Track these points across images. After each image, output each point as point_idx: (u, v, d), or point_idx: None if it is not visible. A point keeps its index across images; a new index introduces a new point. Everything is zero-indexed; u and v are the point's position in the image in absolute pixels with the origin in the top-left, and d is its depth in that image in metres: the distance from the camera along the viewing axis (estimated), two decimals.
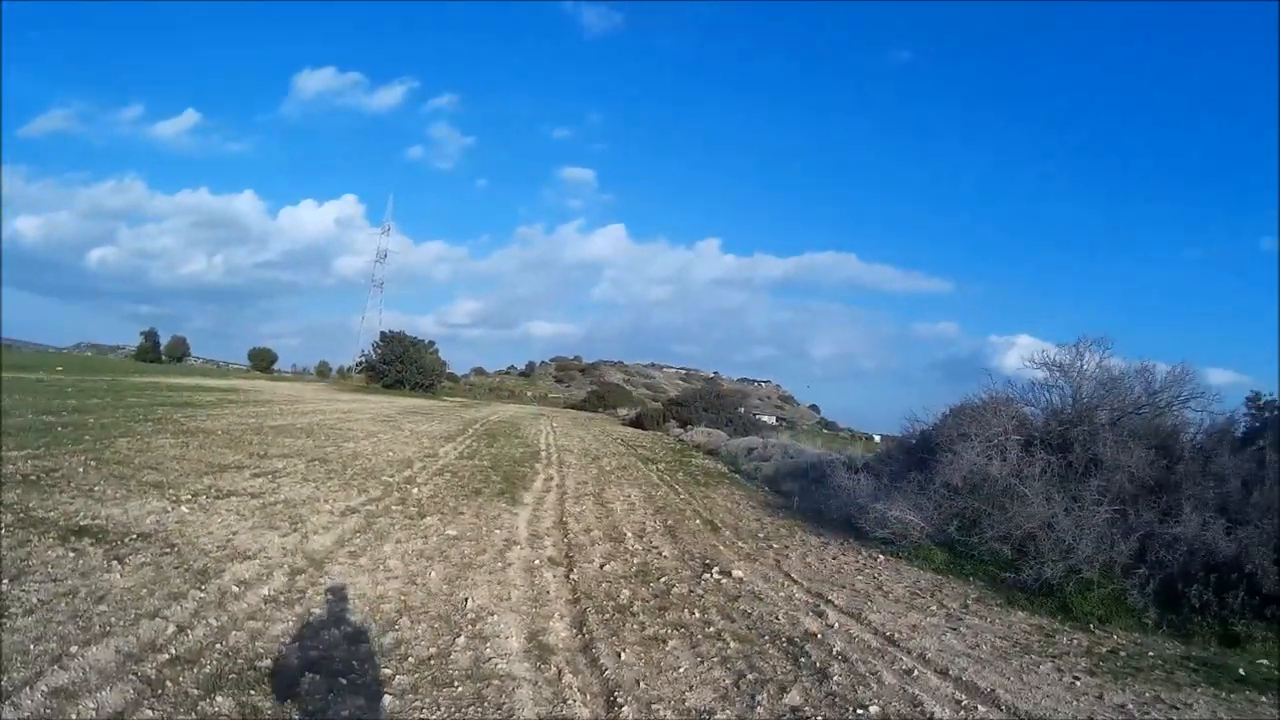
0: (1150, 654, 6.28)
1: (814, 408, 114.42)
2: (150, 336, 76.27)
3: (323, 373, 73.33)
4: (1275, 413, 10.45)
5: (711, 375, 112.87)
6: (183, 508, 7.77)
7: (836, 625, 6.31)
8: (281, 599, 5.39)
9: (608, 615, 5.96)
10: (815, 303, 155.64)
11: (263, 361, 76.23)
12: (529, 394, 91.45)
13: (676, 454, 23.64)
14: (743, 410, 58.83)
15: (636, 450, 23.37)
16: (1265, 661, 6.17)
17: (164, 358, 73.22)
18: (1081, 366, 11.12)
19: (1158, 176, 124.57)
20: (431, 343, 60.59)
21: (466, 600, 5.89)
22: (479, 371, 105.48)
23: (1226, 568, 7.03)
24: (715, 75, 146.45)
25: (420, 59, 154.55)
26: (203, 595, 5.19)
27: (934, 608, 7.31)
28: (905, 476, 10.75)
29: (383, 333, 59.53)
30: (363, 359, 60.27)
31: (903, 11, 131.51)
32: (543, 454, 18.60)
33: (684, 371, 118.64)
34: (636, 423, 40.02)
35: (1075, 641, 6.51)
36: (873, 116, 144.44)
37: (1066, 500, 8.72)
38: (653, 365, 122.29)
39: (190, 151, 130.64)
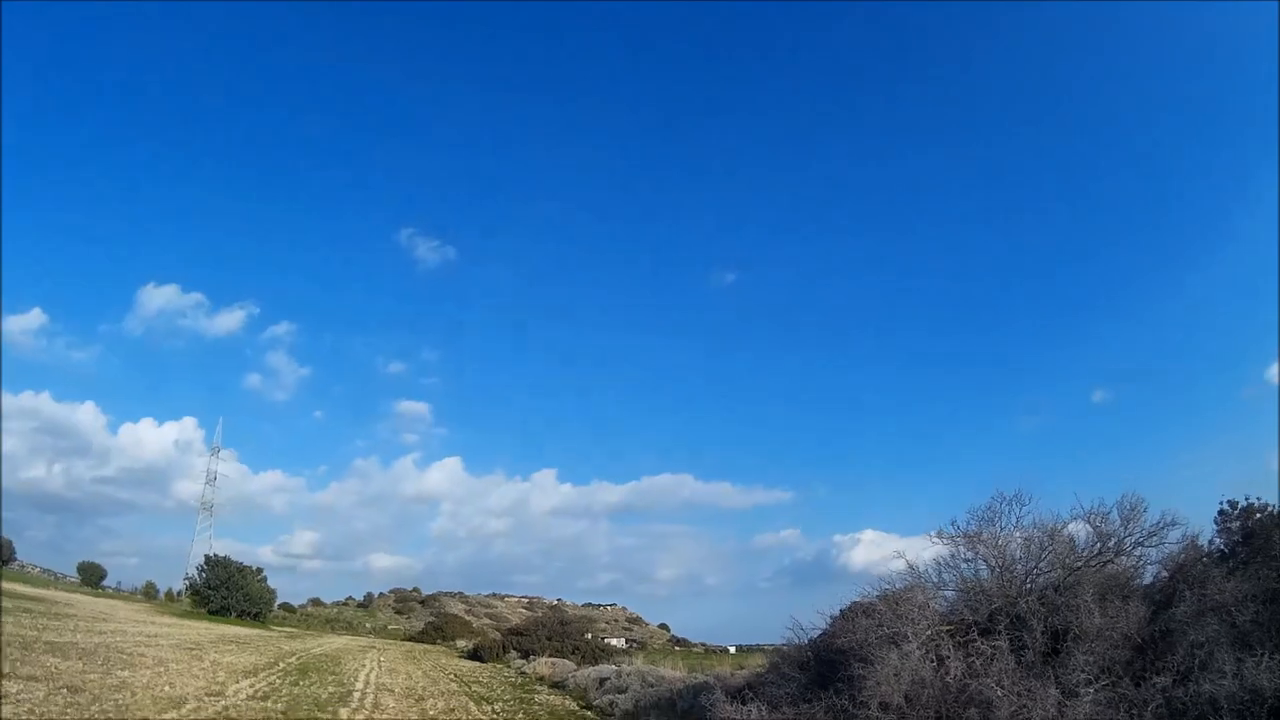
0: None
1: (664, 626, 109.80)
2: None
3: (149, 593, 66.82)
4: (1259, 516, 9.21)
5: (555, 602, 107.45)
6: None
7: None
8: None
9: None
10: (655, 525, 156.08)
11: (92, 576, 69.12)
12: (367, 625, 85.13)
13: (517, 690, 20.44)
14: (590, 636, 54.70)
15: (471, 687, 19.99)
16: None
17: None
18: (999, 530, 10.36)
19: (976, 355, 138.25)
20: (259, 570, 56.74)
21: None
22: (316, 602, 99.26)
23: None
24: (545, 305, 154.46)
25: (260, 284, 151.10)
26: None
27: None
28: (813, 699, 9.22)
29: (207, 556, 55.94)
30: (187, 582, 56.41)
31: (727, 235, 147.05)
32: (356, 695, 15.36)
33: (527, 600, 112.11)
34: (474, 655, 35.37)
35: None
36: (698, 336, 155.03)
37: (1045, 689, 7.42)
38: (494, 595, 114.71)
39: (35, 354, 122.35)
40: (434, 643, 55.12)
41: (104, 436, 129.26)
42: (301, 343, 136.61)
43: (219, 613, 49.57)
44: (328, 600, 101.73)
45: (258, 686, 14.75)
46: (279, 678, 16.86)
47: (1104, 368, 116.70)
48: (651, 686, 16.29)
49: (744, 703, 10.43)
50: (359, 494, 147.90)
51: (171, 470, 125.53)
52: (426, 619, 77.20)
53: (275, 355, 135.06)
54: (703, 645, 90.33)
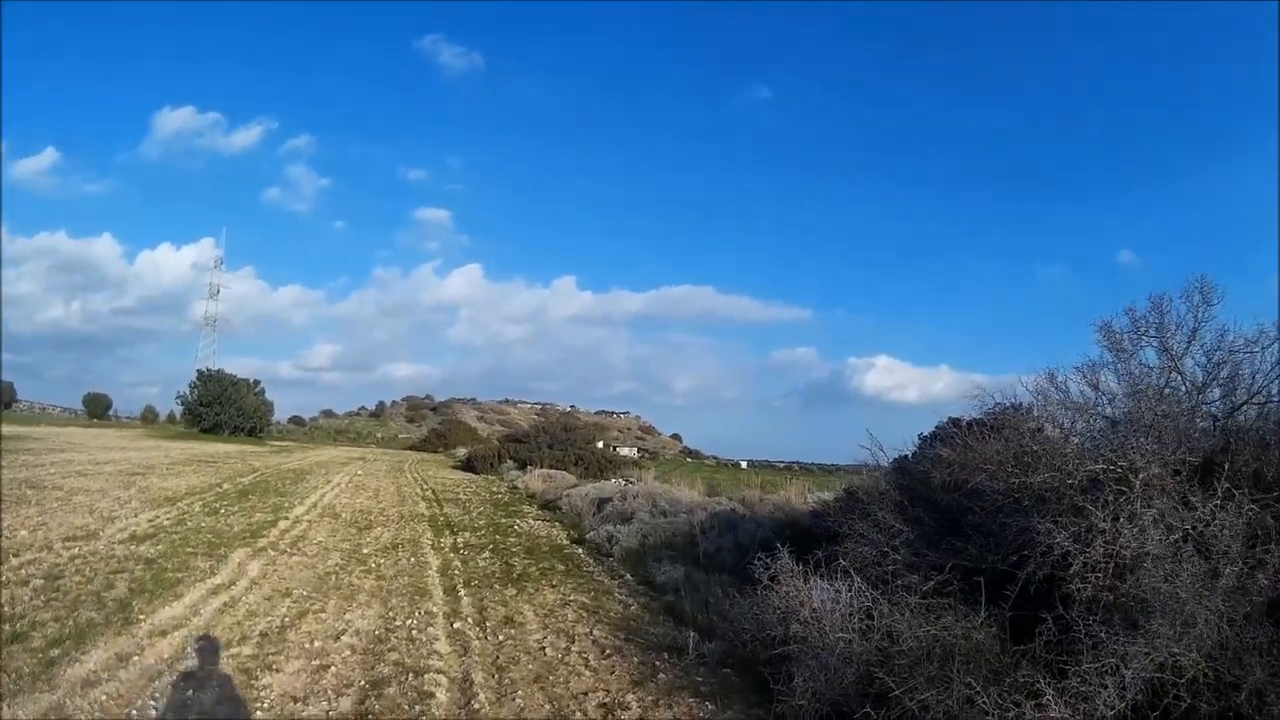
0: None
1: (676, 437, 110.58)
2: None
3: (147, 418, 66.01)
4: None
5: (568, 409, 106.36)
6: None
7: None
8: None
9: None
10: (674, 335, 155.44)
11: (96, 407, 69.22)
12: (378, 435, 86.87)
13: (499, 511, 16.62)
14: (601, 444, 52.57)
15: (443, 509, 16.16)
16: None
17: None
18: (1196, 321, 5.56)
19: (1010, 193, 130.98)
20: (255, 382, 54.68)
21: None
22: (328, 414, 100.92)
23: None
24: (570, 114, 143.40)
25: (278, 98, 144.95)
26: None
27: None
28: (937, 566, 4.72)
29: (199, 372, 52.95)
30: (178, 402, 53.13)
31: (762, 50, 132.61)
32: (282, 525, 11.85)
33: (539, 406, 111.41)
34: (468, 465, 32.41)
35: None
36: (726, 149, 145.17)
37: None
38: (506, 402, 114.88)
39: (49, 191, 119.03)
40: (435, 451, 53.63)
41: (121, 266, 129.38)
42: (321, 154, 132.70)
43: (212, 430, 47.78)
44: (340, 411, 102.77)
45: (160, 520, 11.24)
46: (203, 505, 13.30)
47: (1136, 232, 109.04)
48: (664, 516, 12.07)
49: (810, 561, 5.82)
50: (379, 304, 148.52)
51: (190, 293, 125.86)
52: (434, 426, 76.30)
53: (294, 168, 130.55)
54: (714, 458, 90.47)
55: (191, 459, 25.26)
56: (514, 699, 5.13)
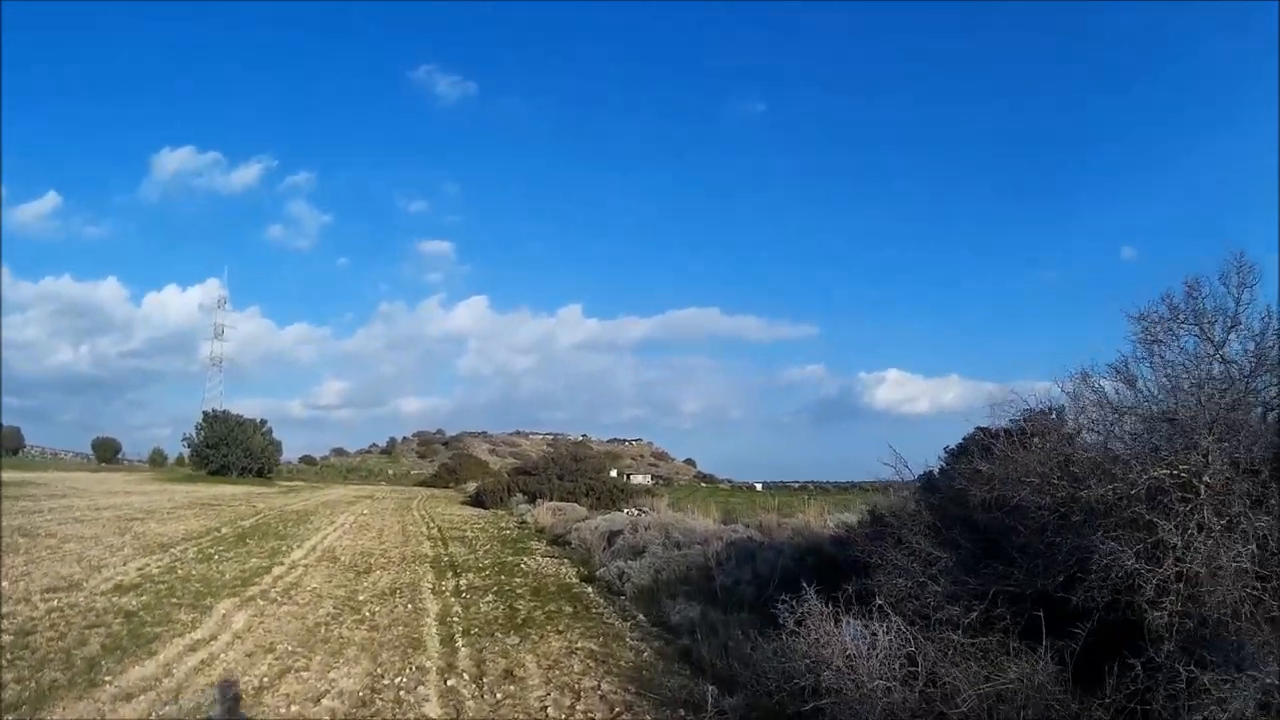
0: None
1: (690, 462, 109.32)
2: None
3: (156, 461, 65.87)
4: None
5: (580, 438, 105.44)
6: None
7: None
8: None
9: None
10: (681, 359, 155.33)
11: (106, 451, 68.08)
12: (389, 471, 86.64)
13: (509, 547, 15.99)
14: (614, 473, 51.79)
15: (448, 548, 15.54)
16: None
17: None
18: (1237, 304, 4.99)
19: (1007, 191, 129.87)
20: (262, 422, 54.05)
21: None
22: (339, 452, 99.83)
23: None
24: (569, 139, 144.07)
25: (276, 135, 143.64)
26: None
27: None
28: (975, 597, 4.32)
29: (205, 413, 52.48)
30: (184, 444, 53.47)
31: (751, 66, 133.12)
32: (276, 572, 11.32)
33: (551, 437, 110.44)
34: (477, 500, 31.73)
35: None
36: (724, 171, 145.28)
37: None
38: (518, 434, 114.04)
39: (51, 235, 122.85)
40: (446, 486, 53.06)
41: (127, 310, 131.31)
42: (321, 189, 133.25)
43: (220, 472, 47.03)
44: (352, 449, 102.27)
45: (149, 569, 10.76)
46: (198, 551, 12.83)
47: (1135, 224, 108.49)
48: (678, 548, 11.42)
49: (839, 598, 5.19)
50: (385, 338, 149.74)
51: (197, 334, 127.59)
52: (445, 461, 75.63)
53: (295, 204, 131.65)
54: (729, 481, 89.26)
55: (194, 502, 24.85)
56: None
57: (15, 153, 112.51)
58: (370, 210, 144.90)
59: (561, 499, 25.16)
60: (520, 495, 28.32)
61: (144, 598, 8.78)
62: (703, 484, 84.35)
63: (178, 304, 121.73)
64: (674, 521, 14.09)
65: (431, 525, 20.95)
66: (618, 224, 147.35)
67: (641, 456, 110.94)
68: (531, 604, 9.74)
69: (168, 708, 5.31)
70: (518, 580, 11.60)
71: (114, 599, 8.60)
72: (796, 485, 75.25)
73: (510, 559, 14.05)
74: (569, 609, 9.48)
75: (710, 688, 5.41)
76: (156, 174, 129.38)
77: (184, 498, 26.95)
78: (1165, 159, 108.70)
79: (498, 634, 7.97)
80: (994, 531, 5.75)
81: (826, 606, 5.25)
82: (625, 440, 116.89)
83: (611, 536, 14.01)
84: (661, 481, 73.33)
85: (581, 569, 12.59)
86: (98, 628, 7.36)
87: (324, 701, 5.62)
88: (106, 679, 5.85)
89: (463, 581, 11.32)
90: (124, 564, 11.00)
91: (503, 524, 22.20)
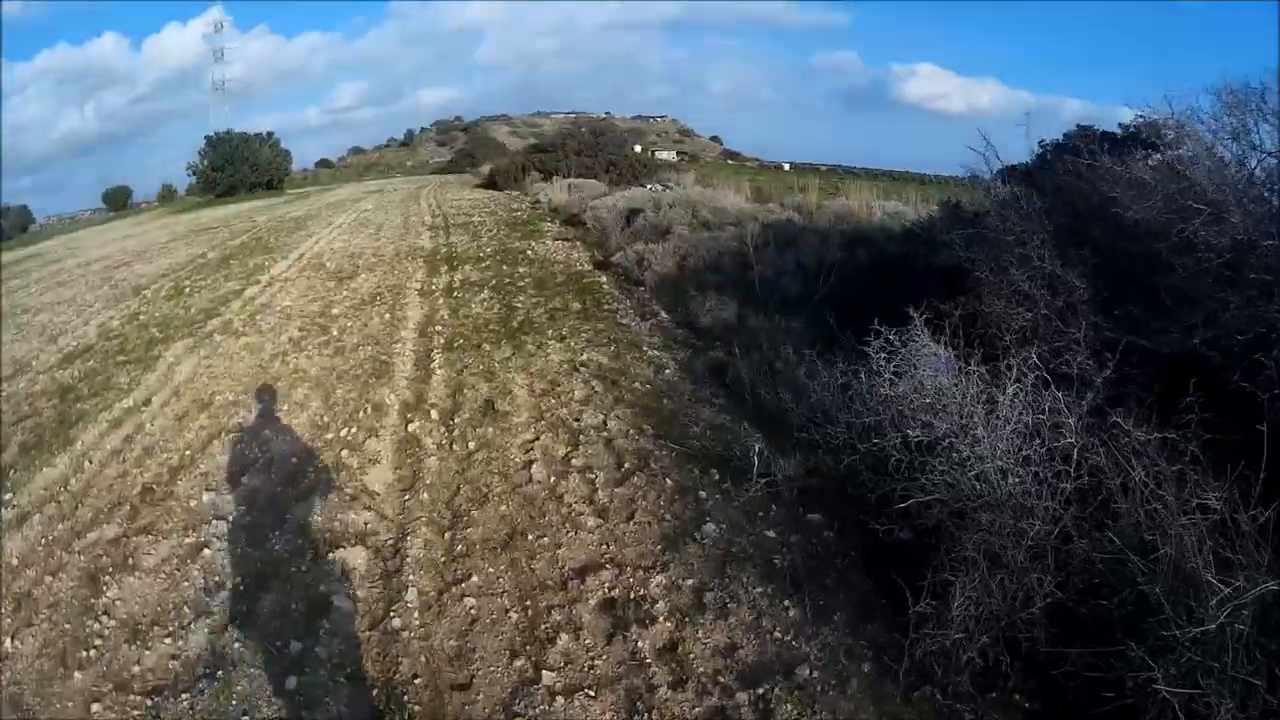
0: None
1: (716, 139, 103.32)
2: None
3: (165, 197, 62.06)
4: None
5: (603, 116, 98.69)
6: None
7: None
8: None
9: None
10: (710, 39, 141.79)
11: (117, 200, 64.66)
12: (408, 164, 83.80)
13: (517, 230, 14.24)
14: (639, 149, 48.34)
15: (451, 235, 13.92)
16: None
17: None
18: None
19: None
20: (270, 134, 50.41)
21: None
22: (356, 150, 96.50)
23: None
24: None
25: None
26: None
27: None
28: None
29: (207, 137, 48.33)
30: (189, 171, 49.87)
31: None
32: (248, 295, 10.04)
33: (573, 115, 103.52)
34: (490, 182, 29.56)
35: None
36: None
37: None
38: (539, 114, 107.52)
39: (39, 12, 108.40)
40: (462, 171, 50.61)
41: (129, 59, 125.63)
42: None
43: (228, 193, 45.01)
44: (369, 146, 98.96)
45: (110, 323, 9.30)
46: (172, 286, 11.21)
47: None
48: (707, 230, 9.48)
49: (925, 320, 3.31)
50: (400, 34, 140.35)
51: (205, 63, 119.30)
52: (462, 147, 72.02)
53: None
54: (756, 160, 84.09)
55: (194, 229, 22.84)
56: (461, 598, 3.11)
57: None
58: None
59: (579, 176, 22.89)
60: (537, 174, 26.00)
61: (90, 363, 7.34)
62: (729, 162, 79.91)
63: (180, 41, 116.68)
64: (702, 199, 11.96)
65: (436, 214, 19.15)
66: None
67: (666, 133, 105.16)
68: (533, 300, 8.16)
69: (60, 523, 3.97)
70: (521, 270, 9.97)
71: (57, 374, 7.15)
72: (824, 168, 70.76)
73: (516, 245, 12.33)
74: (576, 305, 7.89)
75: (756, 446, 3.79)
76: None
77: (185, 228, 24.86)
78: None
79: (485, 345, 6.47)
80: (1129, 261, 3.64)
81: (922, 333, 3.36)
82: (650, 117, 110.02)
83: (631, 216, 12.05)
84: (687, 158, 69.24)
85: (595, 253, 10.86)
86: (27, 419, 5.97)
87: (244, 481, 4.24)
88: (7, 495, 4.49)
89: (457, 277, 9.74)
90: (85, 324, 9.43)
91: (515, 206, 20.30)
